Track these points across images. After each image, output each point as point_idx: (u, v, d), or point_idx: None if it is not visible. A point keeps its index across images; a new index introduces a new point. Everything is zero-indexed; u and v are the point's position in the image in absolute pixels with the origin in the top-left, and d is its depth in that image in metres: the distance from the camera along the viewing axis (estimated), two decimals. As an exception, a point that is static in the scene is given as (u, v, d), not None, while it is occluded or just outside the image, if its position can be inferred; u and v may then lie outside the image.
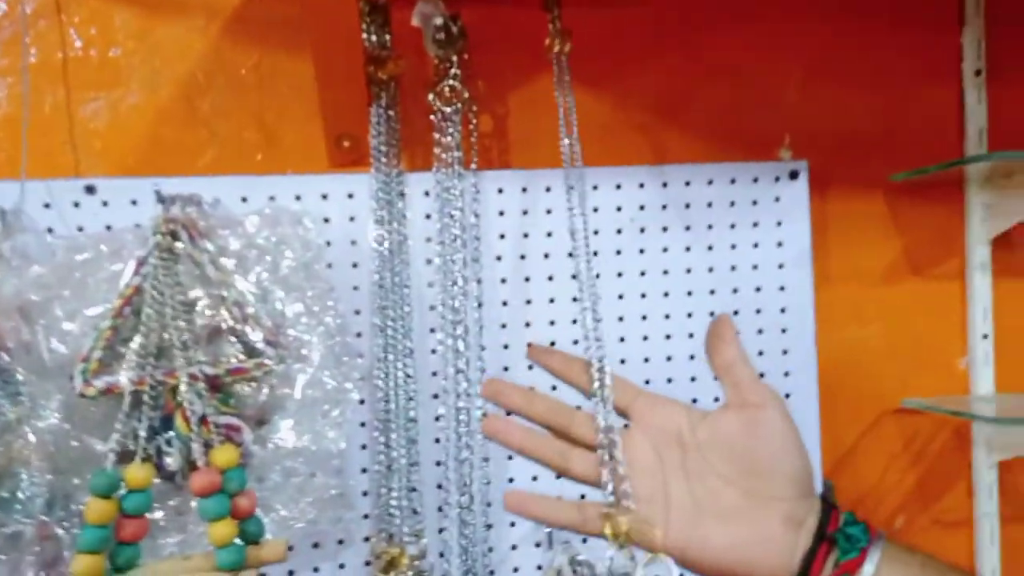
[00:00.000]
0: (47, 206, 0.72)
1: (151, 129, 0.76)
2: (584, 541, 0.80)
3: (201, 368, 0.64)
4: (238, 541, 0.62)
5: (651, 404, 0.49)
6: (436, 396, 0.79)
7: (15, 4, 0.73)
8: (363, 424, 0.78)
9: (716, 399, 0.79)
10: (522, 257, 0.81)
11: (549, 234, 0.81)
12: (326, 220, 0.77)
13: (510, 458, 0.81)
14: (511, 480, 0.81)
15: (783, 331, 0.84)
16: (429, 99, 0.77)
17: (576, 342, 0.81)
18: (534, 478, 0.81)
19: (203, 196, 0.70)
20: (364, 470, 0.78)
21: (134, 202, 0.73)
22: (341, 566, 0.77)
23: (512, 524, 0.81)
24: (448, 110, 0.77)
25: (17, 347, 0.63)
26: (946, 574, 0.42)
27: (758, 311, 0.84)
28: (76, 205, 0.73)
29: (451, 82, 0.77)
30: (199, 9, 0.77)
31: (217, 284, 0.66)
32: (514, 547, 0.81)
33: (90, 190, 0.73)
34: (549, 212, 0.81)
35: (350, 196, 0.78)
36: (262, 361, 0.66)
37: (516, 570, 0.80)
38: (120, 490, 0.61)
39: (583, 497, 0.51)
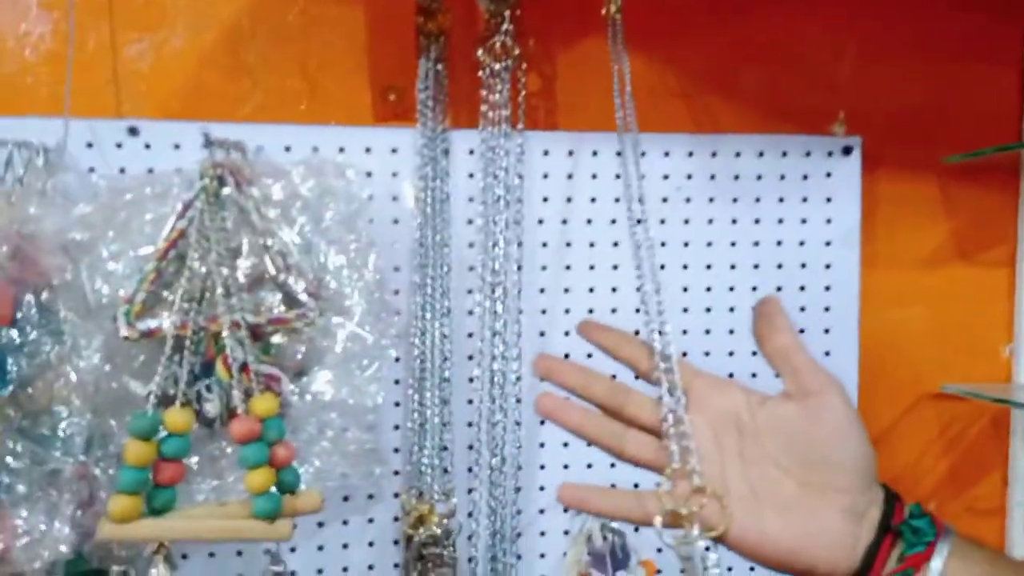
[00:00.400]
0: (89, 145, 0.71)
1: (195, 73, 0.75)
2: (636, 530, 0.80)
3: (243, 316, 0.63)
4: (274, 490, 0.63)
5: (710, 386, 0.46)
6: (471, 357, 0.78)
7: (62, -62, 0.72)
8: (397, 381, 0.77)
9: (754, 375, 0.79)
10: (564, 222, 0.80)
11: (593, 199, 0.80)
12: (369, 174, 0.76)
13: (542, 423, 0.81)
14: (542, 445, 0.81)
15: (826, 310, 0.82)
16: (478, 55, 0.75)
17: (614, 310, 0.80)
18: (565, 444, 0.81)
19: (247, 143, 0.69)
20: (397, 427, 0.78)
21: (177, 146, 0.72)
22: (370, 520, 0.78)
23: (542, 488, 0.81)
24: (497, 67, 0.76)
25: (60, 285, 0.63)
26: (1017, 571, 0.40)
27: (802, 288, 0.82)
28: (119, 146, 0.72)
29: (502, 38, 0.75)
30: (248, -49, 0.75)
31: (261, 232, 0.65)
32: (542, 511, 0.81)
33: (133, 132, 0.72)
34: (595, 177, 0.80)
35: (394, 151, 0.77)
36: (304, 312, 0.65)
37: (543, 534, 0.81)
38: (159, 433, 0.61)
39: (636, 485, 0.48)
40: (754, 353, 0.74)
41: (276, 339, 0.66)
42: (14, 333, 0.62)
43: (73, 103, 0.71)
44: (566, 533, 0.81)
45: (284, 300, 0.66)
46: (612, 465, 0.79)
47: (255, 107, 0.75)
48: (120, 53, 0.74)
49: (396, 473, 0.78)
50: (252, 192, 0.65)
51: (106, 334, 0.63)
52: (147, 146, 0.72)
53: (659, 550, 0.82)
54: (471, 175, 0.78)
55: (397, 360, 0.77)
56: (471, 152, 0.77)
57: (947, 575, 0.39)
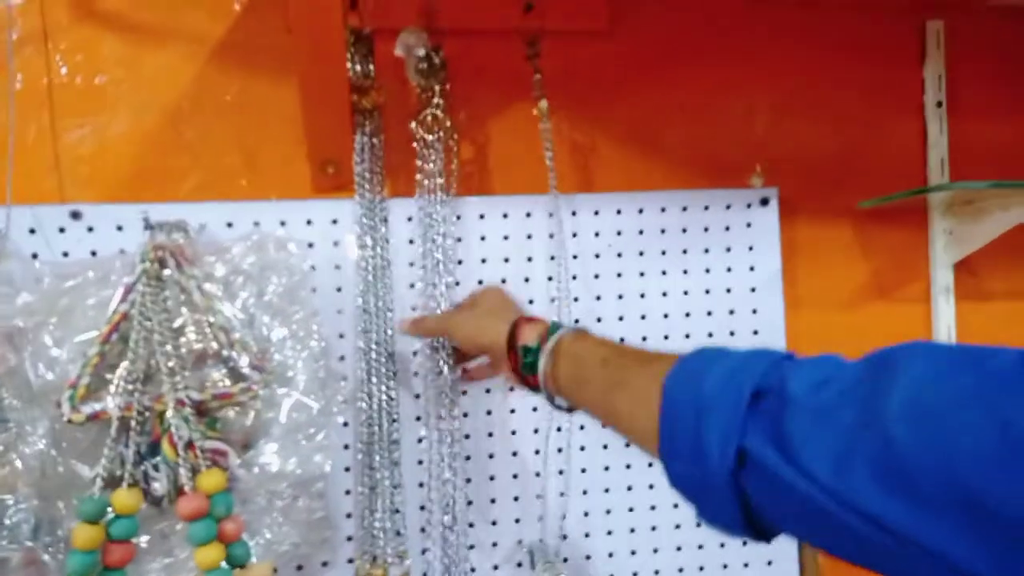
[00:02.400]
0: (32, 231, 0.73)
1: (136, 155, 0.77)
2: (565, 560, 0.82)
3: (188, 393, 0.65)
4: (225, 565, 0.63)
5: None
6: (419, 418, 0.80)
7: (1, 31, 0.74)
8: (347, 446, 0.79)
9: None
10: (503, 281, 0.83)
11: (529, 259, 0.83)
12: (310, 245, 0.79)
13: (492, 478, 0.83)
14: (493, 500, 0.82)
15: (756, 353, 0.86)
16: (411, 127, 0.79)
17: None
18: (515, 498, 0.83)
19: (189, 222, 0.71)
20: (348, 492, 0.79)
21: (120, 228, 0.74)
22: (337, 585, 0.78)
23: (494, 544, 0.82)
24: (430, 138, 0.79)
25: (4, 374, 0.64)
26: (624, 357, 0.54)
27: (732, 333, 0.86)
28: (61, 231, 0.73)
29: (433, 111, 0.79)
30: (185, 37, 0.78)
31: (203, 310, 0.67)
32: (496, 567, 0.82)
33: (76, 216, 0.73)
34: (529, 237, 0.83)
35: (334, 221, 0.80)
36: (248, 386, 0.67)
37: (498, 589, 0.82)
38: (107, 515, 0.62)
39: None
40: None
41: (222, 414, 0.68)
42: (-43, 423, 0.62)
43: (15, 190, 0.72)
44: (520, 586, 0.82)
45: (229, 375, 0.68)
46: (563, 516, 0.82)
47: (196, 185, 0.78)
48: (61, 139, 0.76)
49: (349, 539, 0.79)
50: (193, 271, 0.67)
51: (51, 419, 0.64)
52: (90, 229, 0.74)
53: (610, 555, 0.84)
54: (411, 241, 0.81)
55: (345, 425, 0.78)
56: (409, 219, 0.81)
57: (557, 382, 0.59)
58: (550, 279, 0.84)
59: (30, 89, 0.75)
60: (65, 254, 0.73)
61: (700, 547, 0.86)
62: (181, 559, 0.68)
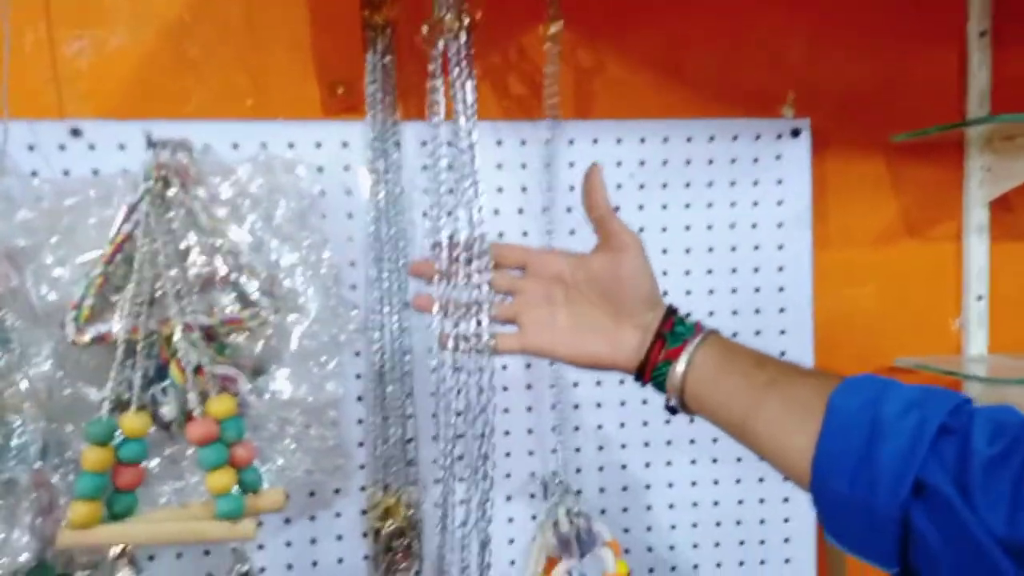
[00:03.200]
0: (31, 148, 0.70)
1: (137, 71, 0.74)
2: (579, 492, 0.81)
3: (196, 318, 0.63)
4: (236, 490, 0.63)
5: (540, 256, 0.61)
6: (431, 349, 0.78)
7: (-7, -67, 0.70)
8: (359, 376, 0.77)
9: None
10: (520, 211, 0.80)
11: (549, 188, 0.80)
12: (320, 169, 0.76)
13: (506, 411, 0.81)
14: (507, 432, 0.81)
15: (780, 289, 0.84)
16: (422, 32, 0.74)
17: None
18: (529, 431, 0.82)
19: (193, 142, 0.68)
20: (360, 421, 0.78)
21: (122, 146, 0.71)
22: (337, 515, 0.78)
23: (507, 475, 0.81)
24: (445, 48, 0.75)
25: (5, 293, 0.62)
26: (780, 365, 0.51)
27: (756, 269, 0.84)
28: (62, 148, 0.70)
29: (447, 14, 0.74)
30: (188, -56, 0.73)
31: (210, 232, 0.65)
32: (509, 498, 0.81)
33: (76, 133, 0.71)
34: (548, 166, 0.80)
35: (344, 145, 0.76)
36: (257, 311, 0.65)
37: (511, 520, 0.82)
38: (116, 438, 0.61)
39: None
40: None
41: (231, 339, 0.66)
42: (-40, 343, 0.61)
43: (12, 104, 0.69)
44: (533, 518, 0.82)
45: (237, 300, 0.66)
46: (577, 450, 0.81)
47: (200, 104, 0.74)
48: (59, 52, 0.72)
49: (361, 467, 0.78)
50: (199, 192, 0.65)
51: (56, 341, 0.62)
52: (91, 147, 0.71)
53: (625, 530, 0.84)
54: (424, 167, 0.78)
55: (357, 355, 0.77)
56: (424, 144, 0.77)
57: (695, 359, 0.53)
58: (569, 211, 0.81)
59: (25, -2, 0.71)
60: (66, 172, 0.70)
61: (716, 483, 0.85)
62: (191, 484, 0.68)
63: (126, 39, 0.73)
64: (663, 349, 0.55)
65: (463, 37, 0.74)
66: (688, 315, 0.57)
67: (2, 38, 0.69)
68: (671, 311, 0.57)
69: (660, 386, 0.55)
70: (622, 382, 0.83)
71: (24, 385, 0.62)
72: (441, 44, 0.73)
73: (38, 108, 0.71)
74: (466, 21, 0.72)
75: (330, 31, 0.75)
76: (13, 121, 0.68)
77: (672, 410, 0.56)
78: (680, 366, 0.53)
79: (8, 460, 0.62)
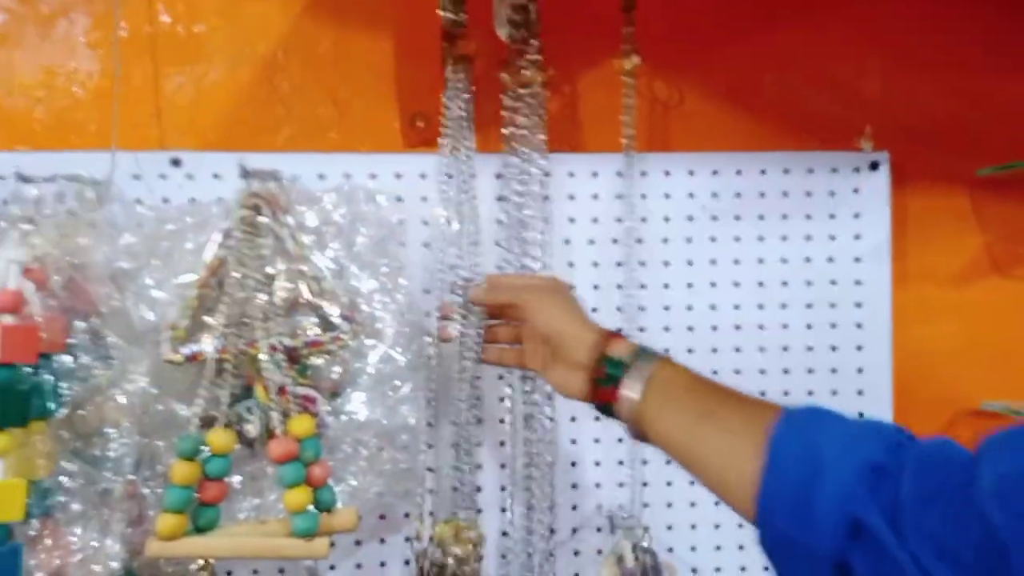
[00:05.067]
0: (135, 177, 0.75)
1: (232, 105, 0.78)
2: (646, 529, 0.80)
3: (281, 339, 0.66)
4: (312, 508, 0.65)
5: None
6: (501, 377, 0.79)
7: (108, -21, 0.76)
8: (430, 401, 0.79)
9: (786, 392, 0.79)
10: (591, 242, 0.81)
11: (619, 220, 0.81)
12: (399, 199, 0.78)
13: (573, 441, 0.82)
14: (573, 464, 0.82)
15: (858, 326, 0.82)
16: (501, 77, 0.77)
17: (642, 329, 0.81)
18: (596, 463, 0.82)
19: (282, 172, 0.72)
20: (430, 446, 0.79)
21: (217, 175, 0.75)
22: (407, 539, 0.79)
23: (574, 507, 0.81)
24: (521, 91, 0.77)
25: (108, 312, 0.66)
26: (718, 395, 0.52)
27: (832, 305, 0.82)
28: (163, 177, 0.75)
29: (526, 63, 0.77)
30: (282, -13, 0.78)
31: (296, 259, 0.68)
32: (575, 530, 0.81)
33: (176, 163, 0.75)
34: (620, 197, 0.81)
35: (422, 176, 0.79)
36: (338, 335, 0.67)
37: (577, 553, 0.81)
38: (203, 454, 0.64)
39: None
40: (785, 371, 0.75)
41: (312, 361, 0.69)
42: (67, 359, 0.65)
43: (119, 136, 0.74)
44: (599, 552, 0.81)
45: (319, 323, 0.69)
46: (644, 484, 0.80)
47: (289, 136, 0.78)
48: (162, 87, 0.77)
49: (431, 491, 0.79)
50: (287, 220, 0.68)
51: (152, 359, 0.66)
52: (189, 176, 0.75)
53: (693, 570, 0.82)
54: (498, 198, 0.79)
55: (430, 380, 0.78)
56: (498, 176, 0.79)
57: (642, 401, 0.54)
58: (639, 241, 0.81)
59: (134, 37, 0.77)
60: (165, 200, 0.75)
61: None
62: (270, 501, 0.70)
63: (223, 75, 0.77)
64: (598, 393, 0.58)
65: (537, 86, 0.76)
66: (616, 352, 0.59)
67: (113, 76, 0.75)
68: (602, 352, 0.59)
69: (614, 419, 0.58)
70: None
71: (122, 400, 0.65)
72: (520, 90, 0.76)
73: (142, 140, 0.76)
74: (540, 78, 0.75)
75: (411, 67, 0.78)
76: (120, 152, 0.73)
77: (637, 437, 0.57)
78: (629, 404, 0.55)
79: (105, 470, 0.66)
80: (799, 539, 0.42)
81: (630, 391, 0.55)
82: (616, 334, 0.61)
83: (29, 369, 0.63)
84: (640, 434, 0.56)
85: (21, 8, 0.76)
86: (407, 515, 0.79)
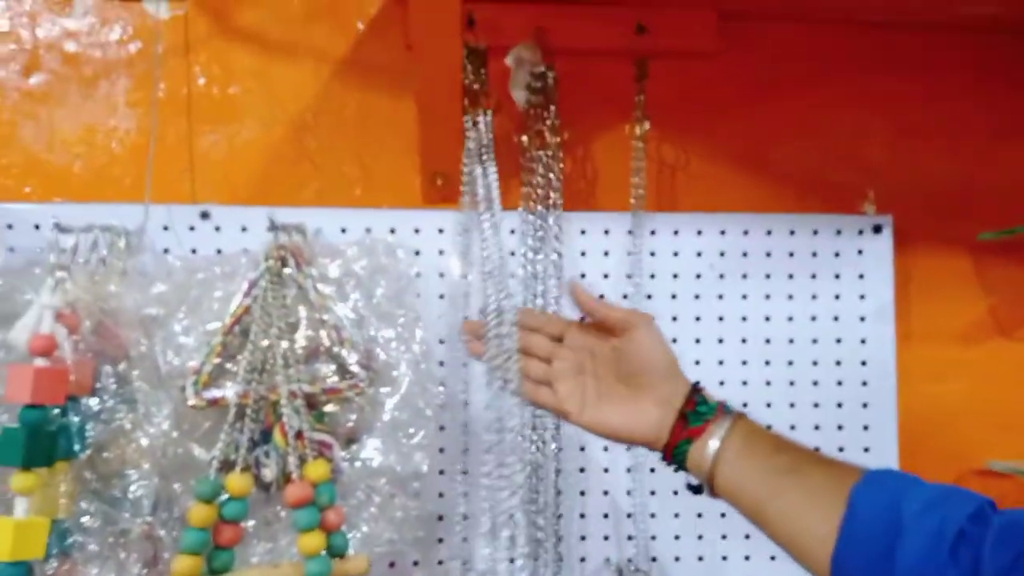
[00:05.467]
0: (165, 228, 0.78)
1: (262, 162, 0.82)
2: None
3: (300, 386, 0.68)
4: (324, 554, 0.66)
5: (575, 329, 0.65)
6: (512, 428, 0.81)
7: (150, 43, 0.81)
8: (442, 450, 0.80)
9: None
10: (601, 296, 0.83)
11: (629, 276, 0.83)
12: (417, 252, 0.81)
13: (582, 493, 0.82)
14: (583, 516, 0.82)
15: (863, 384, 0.83)
16: (522, 141, 0.81)
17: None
18: (605, 515, 0.82)
19: (307, 225, 0.75)
20: (440, 495, 0.80)
21: (244, 228, 0.79)
22: (416, 587, 0.80)
23: (582, 559, 0.82)
24: (539, 154, 0.81)
25: (135, 357, 0.69)
26: (800, 452, 0.52)
27: (838, 363, 0.84)
28: (191, 229, 0.79)
29: (543, 128, 0.81)
30: (311, 53, 0.83)
31: (318, 308, 0.70)
32: (582, 582, 0.81)
33: (205, 216, 0.79)
34: (630, 254, 0.83)
35: (440, 231, 0.82)
36: (355, 382, 0.70)
37: (583, 606, 0.81)
38: (221, 497, 0.65)
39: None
40: (792, 427, 0.76)
41: (329, 408, 0.71)
42: (93, 401, 0.68)
43: (153, 190, 0.78)
44: (606, 605, 0.81)
45: (337, 371, 0.71)
46: (653, 538, 0.81)
47: (315, 192, 0.82)
48: (196, 145, 0.81)
49: (440, 540, 0.80)
50: (311, 271, 0.71)
51: (175, 402, 0.68)
52: (217, 229, 0.79)
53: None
54: (512, 253, 0.82)
55: (442, 429, 0.80)
56: (512, 232, 0.82)
57: (723, 446, 0.54)
58: (649, 297, 0.83)
59: (171, 97, 0.81)
60: (193, 250, 0.78)
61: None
62: (282, 545, 0.71)
63: (255, 134, 0.82)
64: (684, 428, 0.56)
65: (553, 148, 0.80)
66: (700, 392, 0.59)
67: (149, 134, 0.79)
68: (695, 390, 0.58)
69: (680, 464, 0.57)
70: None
71: (144, 442, 0.67)
72: (537, 153, 0.80)
73: (174, 193, 0.80)
74: (556, 140, 0.79)
75: (433, 128, 0.82)
76: (152, 205, 0.77)
77: (695, 489, 0.57)
78: (712, 447, 0.54)
79: (124, 511, 0.67)
80: None
81: (711, 436, 0.55)
82: (690, 400, 0.58)
83: (57, 410, 0.66)
84: (708, 484, 0.55)
85: (65, 69, 0.81)
86: (416, 563, 0.79)
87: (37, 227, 0.76)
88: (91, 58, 0.80)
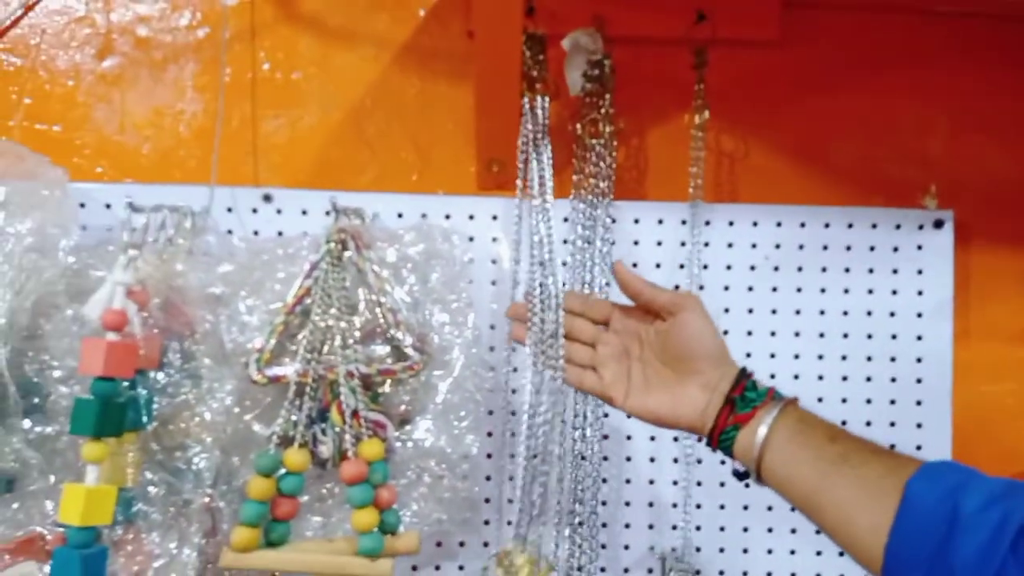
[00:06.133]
0: (229, 210, 0.81)
1: (322, 146, 0.84)
2: (697, 573, 0.81)
3: (357, 366, 0.70)
4: (377, 530, 0.67)
5: (622, 313, 0.65)
6: (558, 414, 0.81)
7: (217, 28, 0.83)
8: (490, 434, 0.81)
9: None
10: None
11: (681, 266, 0.83)
12: (471, 239, 0.82)
13: (628, 481, 0.83)
14: (627, 504, 0.83)
15: (918, 381, 0.82)
16: (577, 130, 0.81)
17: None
18: (650, 504, 0.83)
19: (366, 210, 0.77)
20: (488, 478, 0.81)
21: (304, 212, 0.81)
22: (460, 567, 0.81)
23: (626, 547, 0.82)
24: (593, 142, 0.81)
25: (201, 334, 0.71)
26: (854, 441, 0.51)
27: (893, 359, 0.82)
28: (254, 211, 0.81)
29: (599, 116, 0.81)
30: (373, 39, 0.84)
31: (376, 291, 0.72)
32: (626, 570, 0.82)
33: (267, 198, 0.81)
34: (683, 244, 0.83)
35: (494, 218, 0.83)
36: (410, 364, 0.71)
37: (627, 592, 0.82)
38: (279, 471, 0.67)
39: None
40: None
41: (384, 389, 0.72)
42: (160, 376, 0.70)
43: (217, 172, 0.80)
44: (649, 592, 0.82)
45: (392, 353, 0.72)
46: (698, 528, 0.81)
47: (373, 177, 0.83)
48: (259, 128, 0.83)
49: (486, 523, 0.81)
50: (369, 255, 0.72)
51: (237, 379, 0.70)
52: (278, 211, 0.81)
53: (743, 617, 0.82)
54: (565, 241, 0.83)
55: (491, 413, 0.81)
56: (565, 220, 0.82)
57: (772, 433, 0.53)
58: (701, 288, 0.83)
59: (236, 82, 0.83)
60: (255, 232, 0.80)
61: (841, 579, 0.83)
62: (334, 521, 0.73)
63: (316, 119, 0.83)
64: (732, 413, 0.55)
65: (607, 136, 0.80)
66: (752, 377, 0.58)
67: (216, 117, 0.81)
68: (744, 374, 0.57)
69: (727, 450, 0.56)
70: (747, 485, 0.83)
71: (207, 416, 0.70)
72: (591, 141, 0.80)
73: (238, 176, 0.82)
74: (611, 129, 0.79)
75: (490, 115, 0.83)
76: (217, 187, 0.79)
77: (741, 476, 0.56)
78: (760, 434, 0.53)
79: (186, 483, 0.70)
80: None
81: (760, 423, 0.54)
82: (739, 385, 0.58)
83: (126, 383, 0.69)
84: (755, 471, 0.54)
85: (136, 53, 0.83)
86: (462, 544, 0.81)
87: (108, 206, 0.79)
88: (161, 43, 0.83)
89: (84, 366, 0.65)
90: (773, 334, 0.83)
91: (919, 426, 0.82)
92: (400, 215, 0.81)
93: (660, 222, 0.84)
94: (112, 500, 0.66)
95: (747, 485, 0.56)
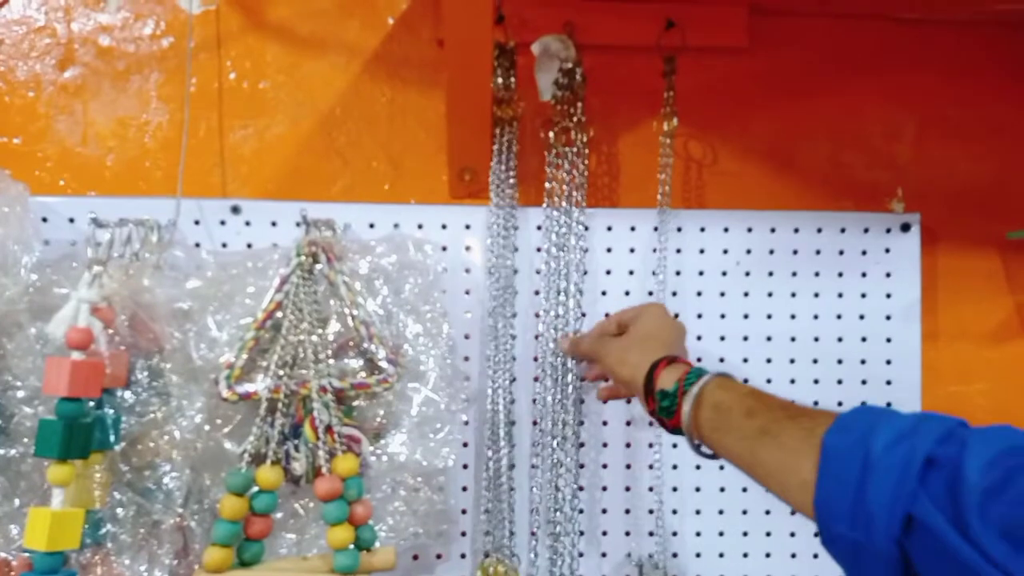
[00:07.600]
0: (196, 223, 0.79)
1: (292, 156, 0.83)
2: (675, 578, 0.81)
3: (330, 381, 0.69)
4: (352, 546, 0.67)
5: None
6: (535, 423, 0.81)
7: (182, 38, 0.81)
8: (466, 444, 0.81)
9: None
10: (626, 293, 0.84)
11: (654, 273, 0.83)
12: (444, 248, 0.82)
13: (604, 488, 0.83)
14: (604, 511, 0.83)
15: (888, 383, 0.83)
16: (549, 137, 0.81)
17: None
18: (627, 511, 0.83)
19: (337, 221, 0.76)
20: (464, 488, 0.81)
21: (274, 223, 0.79)
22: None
23: (603, 554, 0.82)
24: (566, 150, 0.81)
25: (169, 350, 0.70)
26: (771, 411, 0.53)
27: (863, 361, 0.83)
28: (222, 223, 0.79)
29: (570, 124, 0.81)
30: (342, 48, 0.83)
31: (348, 304, 0.71)
32: (604, 577, 0.82)
33: (236, 210, 0.79)
34: (655, 251, 0.83)
35: (467, 227, 0.82)
36: (384, 378, 0.70)
37: (605, 600, 0.82)
38: (251, 489, 0.66)
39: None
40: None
41: (357, 403, 0.71)
42: (127, 394, 0.69)
43: (184, 184, 0.79)
44: (628, 599, 0.82)
45: (366, 366, 0.72)
46: (674, 534, 0.81)
47: (344, 187, 0.82)
48: (227, 139, 0.82)
49: (463, 534, 0.81)
50: (341, 267, 0.71)
51: (207, 396, 0.69)
52: (247, 223, 0.79)
53: (721, 620, 0.82)
54: (538, 249, 0.83)
55: (466, 424, 0.81)
56: (538, 227, 0.82)
57: (693, 425, 0.58)
58: (674, 294, 0.83)
59: (203, 91, 0.82)
60: (224, 245, 0.79)
61: (816, 580, 0.83)
62: (308, 537, 0.72)
63: (285, 128, 0.82)
64: (662, 423, 0.61)
65: (580, 144, 0.80)
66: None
67: (181, 128, 0.80)
68: (653, 392, 0.62)
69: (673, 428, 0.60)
70: (722, 468, 0.83)
71: (177, 435, 0.68)
72: (563, 149, 0.80)
73: (205, 188, 0.81)
74: (583, 137, 0.79)
75: (464, 124, 0.82)
76: (184, 199, 0.78)
77: (701, 453, 0.59)
78: (686, 408, 0.58)
79: (156, 503, 0.68)
80: (858, 539, 0.42)
81: (683, 416, 0.58)
82: (672, 359, 0.63)
83: (92, 403, 0.67)
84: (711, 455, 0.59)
85: (98, 63, 0.81)
86: (439, 556, 0.80)
87: (72, 220, 0.77)
88: (124, 52, 0.81)
89: (48, 386, 0.64)
90: (745, 338, 0.83)
91: (890, 427, 0.83)
92: (372, 225, 0.80)
93: (632, 229, 0.84)
94: (79, 523, 0.64)
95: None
